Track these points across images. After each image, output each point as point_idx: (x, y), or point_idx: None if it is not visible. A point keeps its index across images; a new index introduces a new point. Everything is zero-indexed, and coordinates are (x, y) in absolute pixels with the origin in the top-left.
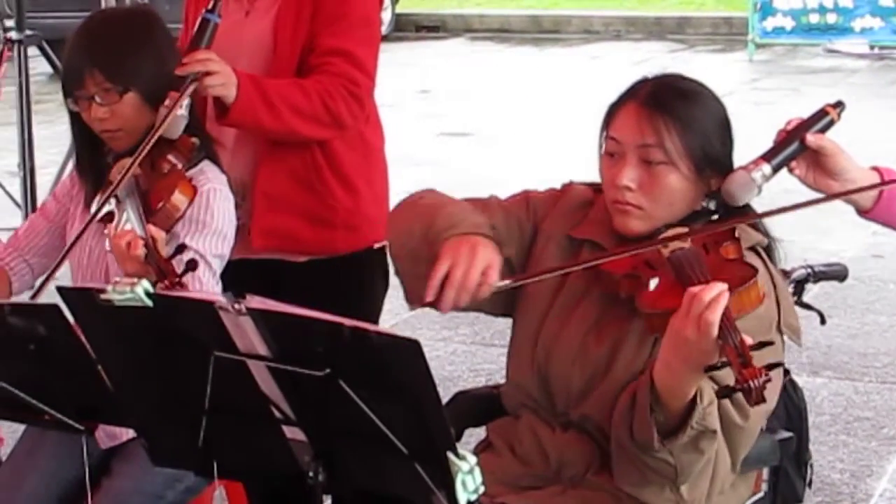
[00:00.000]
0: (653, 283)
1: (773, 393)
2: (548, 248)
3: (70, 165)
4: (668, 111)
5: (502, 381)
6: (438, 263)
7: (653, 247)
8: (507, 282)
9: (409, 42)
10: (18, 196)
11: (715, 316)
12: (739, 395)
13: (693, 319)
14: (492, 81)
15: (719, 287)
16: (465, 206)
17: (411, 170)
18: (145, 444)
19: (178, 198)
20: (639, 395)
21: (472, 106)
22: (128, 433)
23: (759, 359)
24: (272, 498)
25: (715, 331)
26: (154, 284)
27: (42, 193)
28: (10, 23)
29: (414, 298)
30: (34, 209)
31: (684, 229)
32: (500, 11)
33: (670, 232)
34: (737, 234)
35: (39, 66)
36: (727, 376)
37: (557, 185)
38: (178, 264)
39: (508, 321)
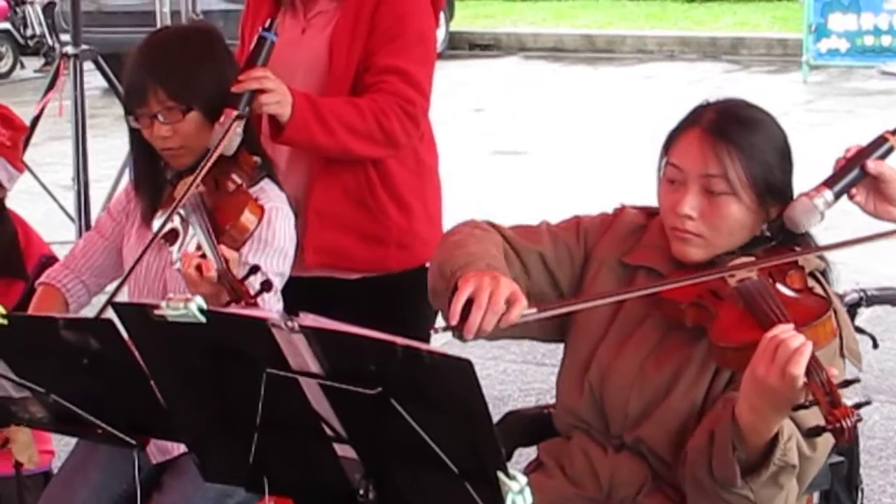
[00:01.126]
0: (721, 313)
1: None
2: (601, 274)
3: (124, 179)
4: (732, 141)
5: (552, 400)
6: (461, 290)
7: (718, 275)
8: (533, 310)
9: (462, 60)
10: (72, 209)
11: (800, 368)
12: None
13: (778, 368)
14: (545, 100)
15: (801, 338)
16: (489, 248)
17: (464, 188)
18: (197, 460)
19: (248, 217)
20: (719, 433)
21: (526, 125)
22: (178, 448)
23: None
24: None
25: (801, 381)
26: (227, 305)
27: (95, 207)
28: (65, 37)
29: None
30: (88, 222)
31: (751, 259)
32: (554, 30)
33: (737, 261)
34: (800, 263)
35: (93, 80)
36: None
37: (610, 207)
38: (252, 285)
39: None
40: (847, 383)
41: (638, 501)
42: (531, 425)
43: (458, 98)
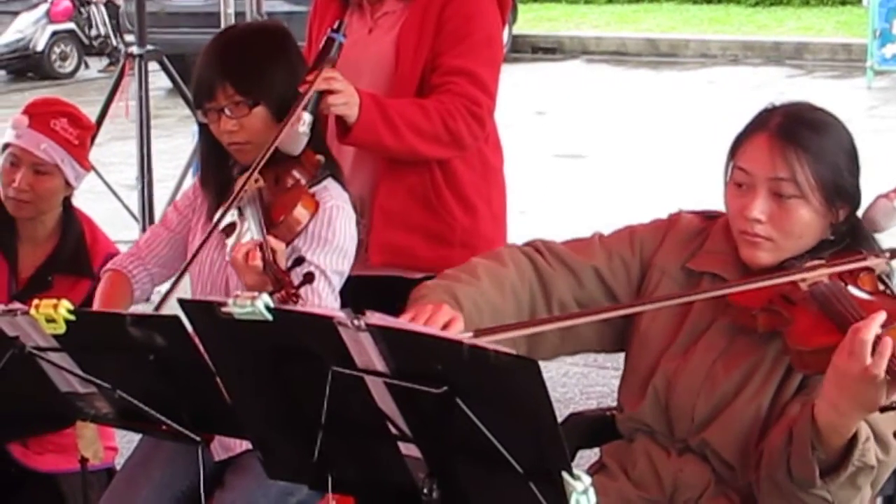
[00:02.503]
0: (797, 319)
1: None
2: (663, 282)
3: (187, 179)
4: (800, 144)
5: (614, 403)
6: (403, 314)
7: (791, 279)
8: (469, 333)
9: (525, 63)
10: (136, 209)
11: (882, 363)
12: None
13: (859, 359)
14: (607, 104)
15: (880, 318)
16: (481, 283)
17: (525, 191)
18: (261, 457)
19: (301, 212)
20: (798, 433)
21: (587, 128)
22: (241, 445)
23: None
24: None
25: (881, 377)
26: (270, 294)
27: (159, 206)
28: (129, 38)
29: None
30: (151, 222)
31: (821, 261)
32: (617, 34)
33: (809, 264)
34: (871, 265)
35: (157, 81)
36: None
37: (670, 212)
38: (296, 276)
39: None
40: None
41: None
42: (593, 427)
43: (520, 101)
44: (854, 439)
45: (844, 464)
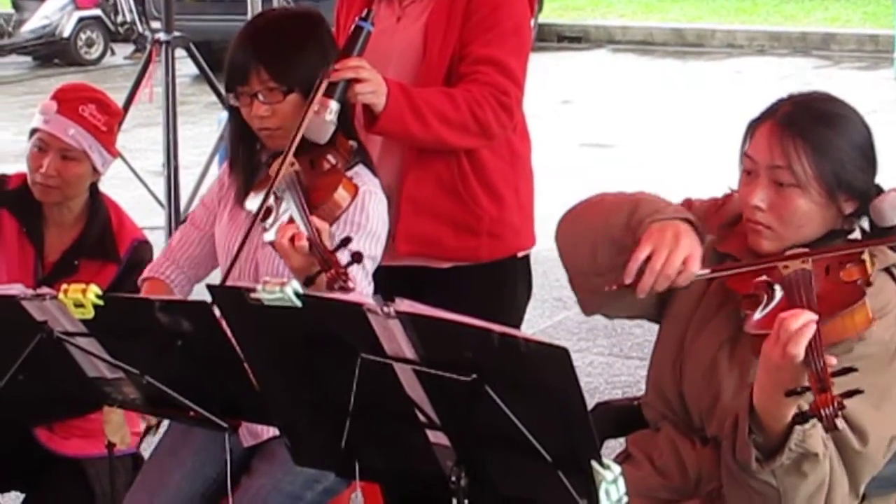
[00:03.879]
0: (769, 304)
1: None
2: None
3: (213, 166)
4: (801, 134)
5: (639, 393)
6: (640, 248)
7: (767, 265)
8: (706, 271)
9: (551, 52)
10: (162, 195)
11: (798, 348)
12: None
13: (780, 346)
14: (633, 93)
15: (807, 316)
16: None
17: (551, 180)
18: (288, 444)
19: (341, 194)
20: (741, 417)
21: (613, 118)
22: (269, 432)
23: (843, 385)
24: (410, 500)
25: (798, 358)
26: (317, 275)
27: (185, 193)
28: (156, 25)
29: (597, 294)
30: (177, 208)
31: (804, 250)
32: (643, 24)
33: (788, 252)
34: (863, 257)
35: (183, 68)
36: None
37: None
38: (343, 256)
39: (647, 334)
40: (845, 371)
41: (725, 494)
42: (620, 417)
43: (546, 90)
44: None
45: (781, 449)
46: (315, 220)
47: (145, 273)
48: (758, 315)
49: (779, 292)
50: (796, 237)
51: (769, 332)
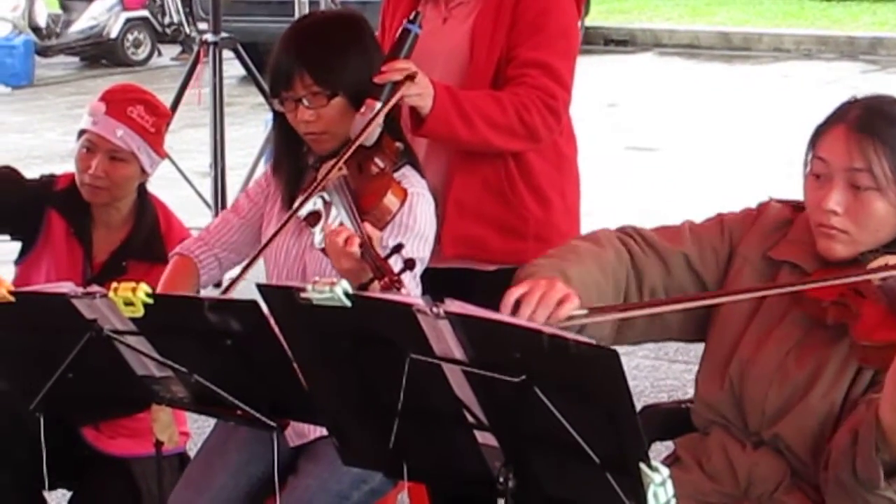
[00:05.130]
0: (864, 313)
1: None
2: (743, 270)
3: (260, 167)
4: (878, 136)
5: (684, 397)
6: (514, 287)
7: (864, 277)
8: (584, 311)
9: (597, 55)
10: (209, 196)
11: None
12: None
13: None
14: (679, 97)
15: None
16: (583, 263)
17: (597, 183)
18: (336, 444)
19: (391, 199)
20: (862, 434)
21: (659, 121)
22: (315, 432)
23: None
24: (456, 501)
25: None
26: (370, 282)
27: (231, 194)
28: (203, 26)
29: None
30: (224, 209)
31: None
32: (689, 27)
33: (880, 260)
34: None
35: (229, 69)
36: None
37: (740, 205)
38: (396, 263)
39: None
40: None
41: (776, 498)
42: (668, 420)
43: (592, 93)
44: None
45: None
46: (367, 226)
47: (176, 249)
48: (863, 323)
49: (873, 298)
50: (871, 241)
51: (884, 342)
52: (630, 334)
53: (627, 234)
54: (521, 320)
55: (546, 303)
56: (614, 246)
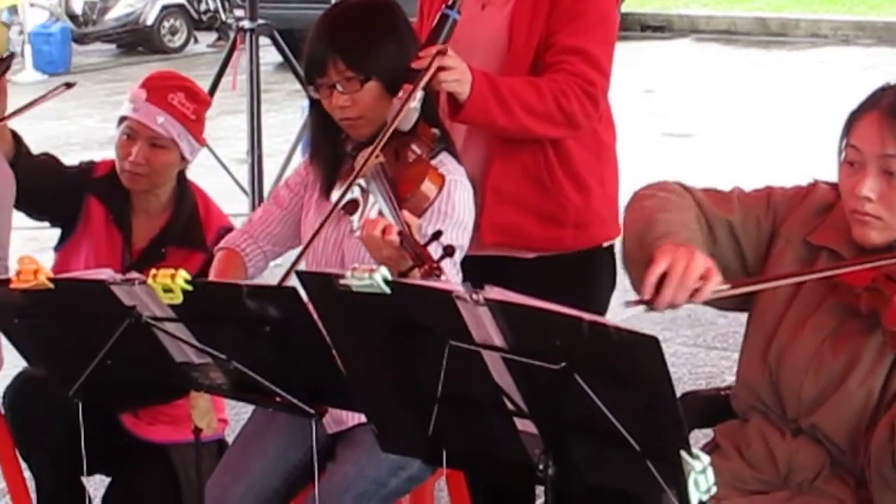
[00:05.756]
0: None
1: None
2: (785, 252)
3: (296, 153)
4: None
5: (722, 384)
6: (655, 263)
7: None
8: (726, 286)
9: (633, 41)
10: (246, 183)
11: None
12: None
13: None
14: (717, 83)
15: None
16: (686, 216)
17: (633, 169)
18: (375, 430)
19: (428, 186)
20: None
21: (696, 107)
22: (353, 419)
23: None
24: (494, 489)
25: None
26: (410, 270)
27: (268, 181)
28: (239, 13)
29: (631, 299)
30: (261, 196)
31: None
32: (727, 13)
33: None
34: None
35: (265, 56)
36: None
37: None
38: (435, 250)
39: (731, 324)
40: None
41: (815, 486)
42: (707, 407)
43: (629, 79)
44: None
45: None
46: (405, 214)
47: (221, 243)
48: (894, 309)
49: None
50: None
51: None
52: None
53: (686, 191)
54: (561, 307)
55: (686, 284)
56: (693, 207)
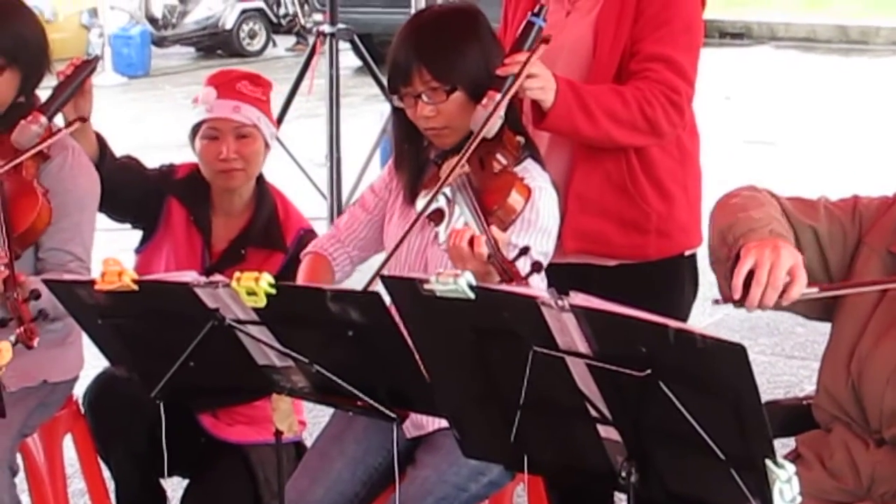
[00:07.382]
0: None
1: None
2: (870, 261)
3: (375, 157)
4: None
5: (801, 393)
6: (741, 262)
7: None
8: (814, 289)
9: (712, 48)
10: (324, 187)
11: None
12: None
13: None
14: (796, 90)
15: None
16: (772, 213)
17: (715, 177)
18: (457, 435)
19: (515, 198)
20: None
21: (777, 115)
22: (434, 423)
23: None
24: (573, 495)
25: None
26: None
27: (347, 185)
28: (318, 17)
29: (721, 297)
30: (339, 199)
31: None
32: (806, 20)
33: None
34: None
35: (344, 60)
36: None
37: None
38: (524, 266)
39: (810, 334)
40: None
41: None
42: (788, 416)
43: (708, 86)
44: None
45: None
46: (493, 230)
47: (309, 247)
48: None
49: None
50: None
51: None
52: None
53: (772, 196)
54: (646, 314)
55: (774, 283)
56: (779, 209)
